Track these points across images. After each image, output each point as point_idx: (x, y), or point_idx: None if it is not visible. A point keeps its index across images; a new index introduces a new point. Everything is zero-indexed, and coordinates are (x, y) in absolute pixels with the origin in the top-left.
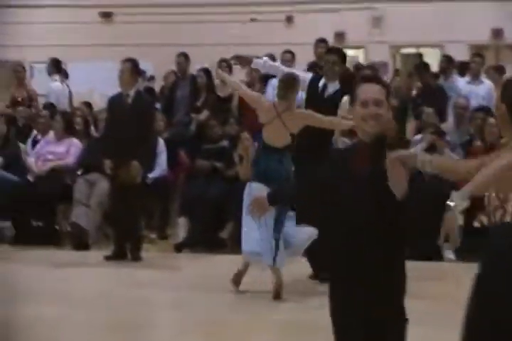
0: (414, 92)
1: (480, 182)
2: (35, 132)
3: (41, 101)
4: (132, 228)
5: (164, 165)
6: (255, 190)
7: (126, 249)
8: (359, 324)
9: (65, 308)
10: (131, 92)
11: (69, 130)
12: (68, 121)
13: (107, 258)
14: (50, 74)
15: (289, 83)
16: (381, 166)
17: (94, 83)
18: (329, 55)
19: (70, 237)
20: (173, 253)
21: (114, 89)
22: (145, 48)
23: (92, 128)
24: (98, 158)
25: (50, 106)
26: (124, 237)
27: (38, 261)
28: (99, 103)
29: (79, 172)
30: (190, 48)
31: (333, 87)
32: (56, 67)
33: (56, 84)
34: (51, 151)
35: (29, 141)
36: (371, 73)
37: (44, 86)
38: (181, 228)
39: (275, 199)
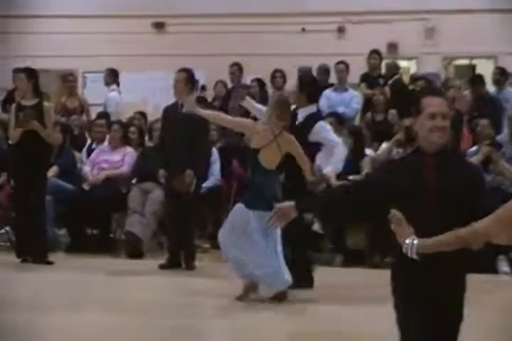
0: (468, 104)
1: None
2: (90, 141)
3: (94, 110)
4: (186, 237)
5: (218, 175)
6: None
7: (180, 258)
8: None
9: (120, 316)
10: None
11: (124, 139)
12: (125, 130)
13: (162, 266)
14: (107, 84)
15: (285, 104)
16: (453, 177)
17: (147, 93)
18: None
19: (125, 246)
20: (227, 263)
21: (167, 99)
22: (197, 58)
23: (146, 137)
24: (152, 167)
25: (105, 116)
26: (178, 246)
27: (93, 269)
28: (153, 113)
29: (133, 181)
30: (242, 58)
31: (304, 112)
32: (113, 76)
33: (113, 93)
34: (106, 160)
35: (84, 150)
36: (429, 85)
37: (96, 95)
38: None
39: (304, 207)
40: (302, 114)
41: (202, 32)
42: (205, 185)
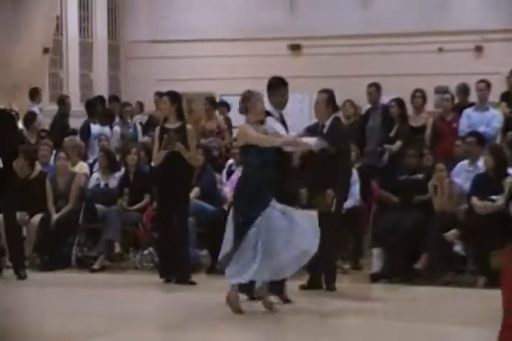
0: None
1: None
2: (229, 162)
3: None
4: (327, 258)
5: (357, 196)
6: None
7: (320, 279)
8: None
9: (261, 337)
10: (327, 122)
11: None
12: None
13: (302, 287)
14: None
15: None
16: None
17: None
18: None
19: None
20: (366, 284)
21: (302, 120)
22: (334, 80)
23: None
24: (292, 187)
25: None
26: (319, 267)
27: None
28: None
29: None
30: (378, 78)
31: None
32: None
33: None
34: None
35: (224, 171)
36: None
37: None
38: (375, 258)
39: None
40: None
41: (337, 53)
42: (345, 205)
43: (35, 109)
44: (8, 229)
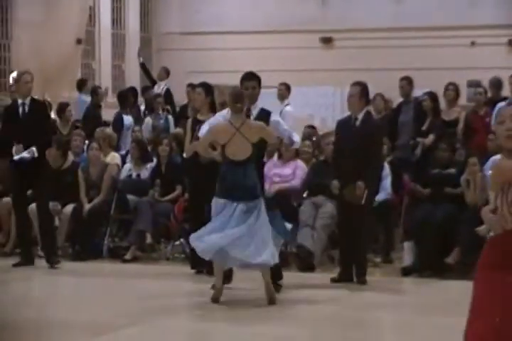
0: None
1: None
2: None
3: None
4: (358, 251)
5: (389, 189)
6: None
7: (352, 272)
8: None
9: (293, 328)
10: (360, 115)
11: (295, 153)
12: None
13: (333, 280)
14: (281, 98)
15: (239, 96)
16: None
17: (314, 107)
18: (249, 80)
19: (296, 259)
20: (397, 277)
21: (333, 113)
22: (365, 73)
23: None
24: (323, 180)
25: None
26: (350, 260)
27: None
28: (320, 127)
29: (304, 195)
30: (410, 72)
31: (255, 109)
32: (287, 91)
33: (289, 108)
34: (277, 174)
35: None
36: None
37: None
38: (406, 252)
39: None
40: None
41: (369, 46)
42: (376, 198)
43: (85, 99)
44: (42, 218)
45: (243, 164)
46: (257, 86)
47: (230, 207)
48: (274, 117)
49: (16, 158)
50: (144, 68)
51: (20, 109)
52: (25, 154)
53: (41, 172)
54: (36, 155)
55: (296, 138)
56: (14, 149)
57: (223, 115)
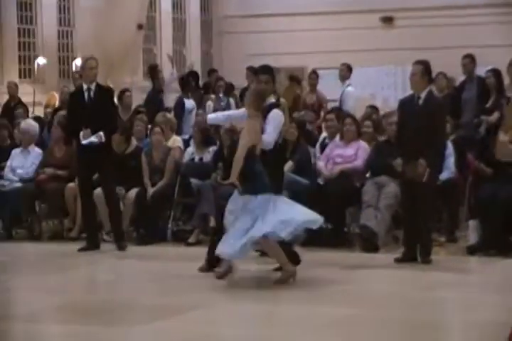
0: None
1: None
2: (323, 135)
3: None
4: (422, 230)
5: (452, 168)
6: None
7: (416, 252)
8: None
9: (357, 308)
10: (423, 94)
11: (357, 133)
12: (357, 124)
13: (397, 260)
14: (343, 79)
15: (260, 95)
16: None
17: (376, 87)
18: (262, 74)
19: (360, 240)
20: (463, 257)
21: (395, 92)
22: (427, 52)
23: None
24: (386, 160)
25: (336, 110)
26: (414, 240)
27: (328, 263)
28: (382, 106)
29: (367, 175)
30: (474, 49)
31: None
32: (349, 72)
33: (350, 88)
34: (340, 154)
35: (317, 145)
36: None
37: (326, 91)
38: (471, 231)
39: None
40: None
41: (430, 25)
42: (440, 177)
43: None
44: (110, 203)
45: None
46: (271, 80)
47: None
48: (273, 113)
49: (84, 142)
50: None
51: (86, 95)
52: (93, 138)
53: (108, 157)
54: (104, 139)
55: (268, 139)
56: (82, 134)
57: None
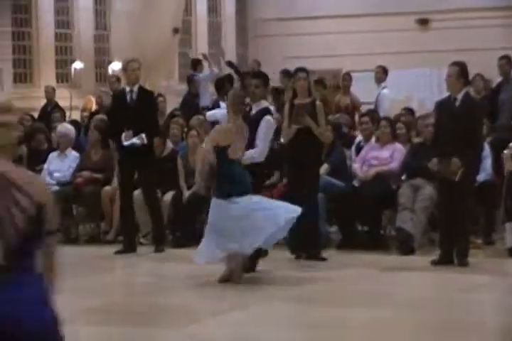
0: None
1: None
2: (358, 139)
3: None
4: (459, 233)
5: (489, 170)
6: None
7: (452, 254)
8: None
9: (395, 311)
10: (460, 96)
11: (393, 135)
12: (393, 126)
13: (434, 262)
14: (378, 81)
15: (238, 97)
16: None
17: (412, 89)
18: (253, 78)
19: (396, 242)
20: (500, 259)
21: (431, 95)
22: (463, 53)
23: (413, 133)
24: (422, 162)
25: (371, 113)
26: (451, 242)
27: (364, 265)
28: (418, 109)
29: (403, 177)
30: (510, 51)
31: (257, 107)
32: (384, 74)
33: (386, 91)
34: (375, 157)
35: (353, 147)
36: None
37: (361, 93)
38: (508, 233)
39: None
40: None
41: (466, 26)
42: (477, 179)
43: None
44: (151, 205)
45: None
46: (261, 85)
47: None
48: (263, 123)
49: (126, 143)
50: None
51: (128, 97)
52: (135, 140)
53: (149, 159)
54: (146, 141)
55: (256, 154)
56: (124, 135)
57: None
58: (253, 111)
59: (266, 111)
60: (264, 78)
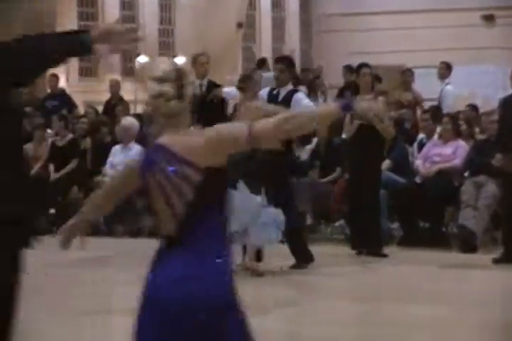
0: None
1: None
2: (420, 136)
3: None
4: None
5: None
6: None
7: None
8: None
9: (456, 309)
10: None
11: (456, 132)
12: (456, 123)
13: (496, 261)
14: (442, 77)
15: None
16: None
17: (476, 86)
18: (277, 63)
19: (457, 239)
20: None
21: (496, 92)
22: None
23: (477, 130)
24: (486, 159)
25: (434, 109)
26: None
27: (425, 262)
28: (482, 105)
29: (466, 174)
30: None
31: (285, 91)
32: (448, 70)
33: (450, 87)
34: (438, 153)
35: (415, 144)
36: None
37: (424, 90)
38: None
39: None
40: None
41: None
42: None
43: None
44: None
45: None
46: (285, 69)
47: None
48: (297, 96)
49: None
50: None
51: (198, 90)
52: None
53: None
54: None
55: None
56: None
57: None
58: (281, 96)
59: (294, 92)
60: (288, 62)
